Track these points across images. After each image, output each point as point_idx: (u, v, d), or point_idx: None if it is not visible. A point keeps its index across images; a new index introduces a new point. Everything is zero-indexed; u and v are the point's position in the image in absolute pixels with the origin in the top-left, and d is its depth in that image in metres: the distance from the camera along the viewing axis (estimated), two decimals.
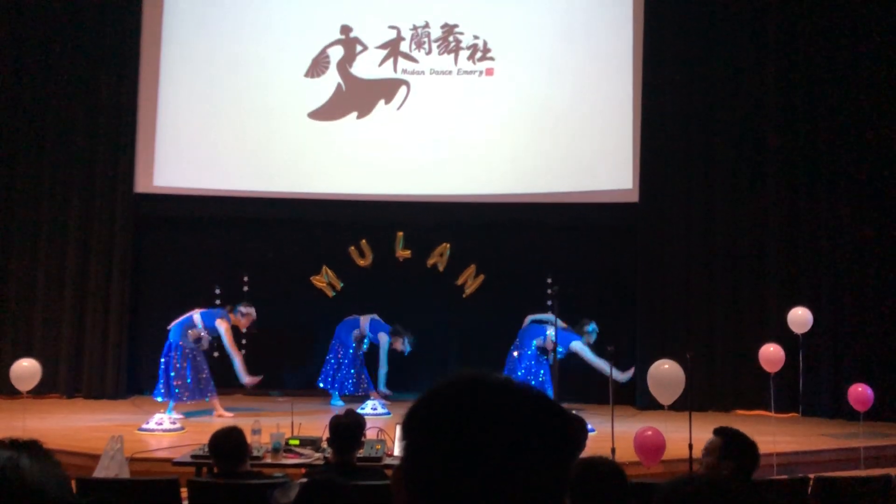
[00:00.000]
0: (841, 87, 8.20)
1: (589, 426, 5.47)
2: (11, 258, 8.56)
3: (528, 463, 0.93)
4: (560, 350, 7.23)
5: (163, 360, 7.26)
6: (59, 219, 8.60)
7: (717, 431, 3.12)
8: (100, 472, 4.77)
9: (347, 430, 3.85)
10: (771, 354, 7.13)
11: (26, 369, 6.95)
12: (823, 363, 8.01)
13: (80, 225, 8.60)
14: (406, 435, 0.98)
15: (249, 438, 5.04)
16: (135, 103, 8.67)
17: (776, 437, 6.29)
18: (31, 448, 0.97)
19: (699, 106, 8.56)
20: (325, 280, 8.74)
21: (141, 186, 8.69)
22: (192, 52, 8.76)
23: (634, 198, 8.54)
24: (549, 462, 0.95)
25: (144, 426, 6.55)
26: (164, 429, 6.49)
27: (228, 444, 3.69)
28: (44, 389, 7.99)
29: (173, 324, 7.39)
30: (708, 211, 8.50)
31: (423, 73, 8.78)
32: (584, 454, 3.86)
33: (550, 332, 7.25)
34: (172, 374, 7.17)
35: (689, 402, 5.78)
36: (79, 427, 6.80)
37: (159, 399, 7.21)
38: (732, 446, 3.06)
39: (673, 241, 8.49)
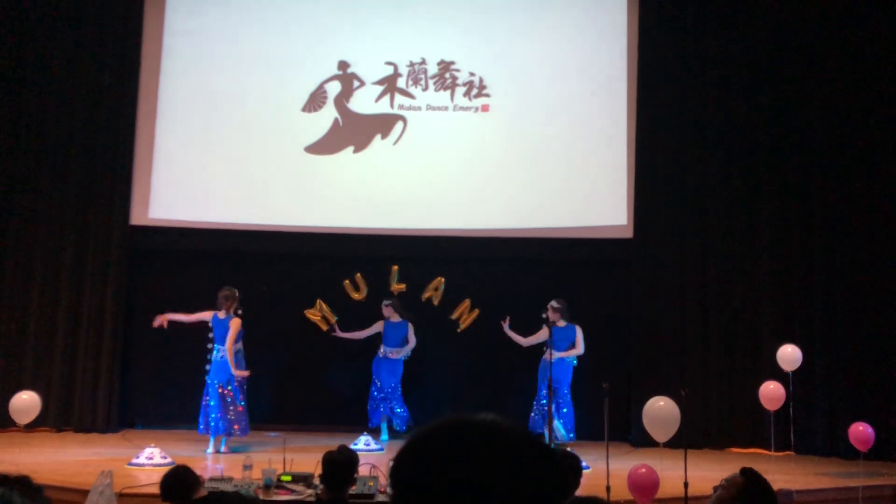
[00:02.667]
0: (835, 123, 8.29)
1: (583, 463, 5.44)
2: (4, 290, 8.52)
3: None
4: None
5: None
6: (53, 250, 8.58)
7: (743, 472, 3.08)
8: None
9: (340, 466, 3.81)
10: (771, 392, 7.13)
11: (26, 402, 6.90)
12: (818, 401, 7.98)
13: (74, 256, 8.58)
14: (394, 482, 0.97)
15: (240, 474, 5.00)
16: (132, 135, 8.72)
17: (774, 475, 6.24)
18: (23, 484, 0.96)
19: (693, 142, 8.64)
20: (319, 314, 8.72)
21: (136, 219, 8.70)
22: (190, 85, 8.84)
23: (629, 234, 8.58)
24: None
25: (134, 461, 6.47)
26: (154, 463, 6.41)
27: (175, 481, 3.69)
28: (33, 423, 7.91)
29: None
30: (702, 247, 8.53)
31: (419, 108, 8.86)
32: (580, 492, 3.83)
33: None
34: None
35: (684, 440, 5.75)
36: (68, 461, 6.71)
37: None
38: (751, 491, 3.00)
39: (667, 277, 8.51)
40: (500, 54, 8.87)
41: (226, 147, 8.78)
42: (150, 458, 6.46)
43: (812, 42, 8.44)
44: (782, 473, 6.64)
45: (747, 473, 3.05)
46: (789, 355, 7.30)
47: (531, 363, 7.88)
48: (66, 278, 8.55)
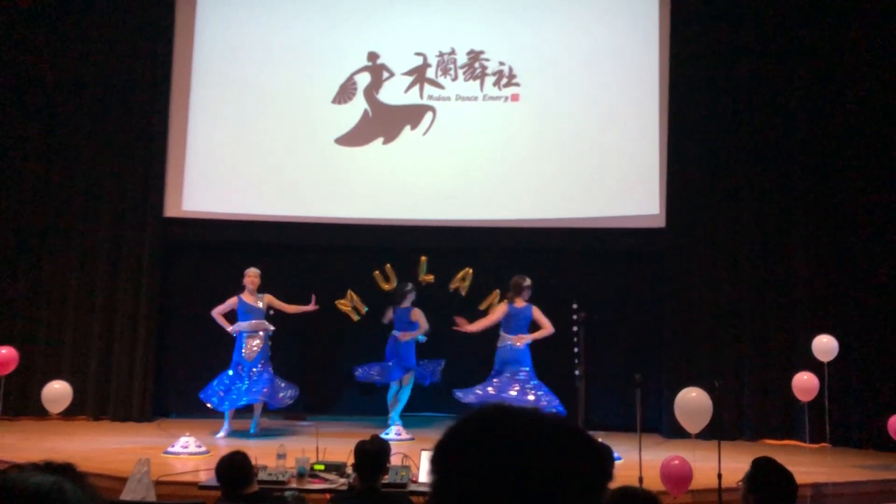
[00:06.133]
0: (874, 111, 8.12)
1: (615, 454, 5.42)
2: (43, 282, 8.69)
3: (559, 494, 0.92)
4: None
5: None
6: (89, 243, 8.73)
7: (753, 462, 3.04)
8: (127, 495, 4.79)
9: (373, 455, 3.84)
10: (804, 383, 7.06)
11: (57, 391, 7.07)
12: (854, 392, 7.85)
13: (109, 249, 8.72)
14: (435, 469, 0.98)
15: (274, 463, 5.06)
16: (165, 129, 8.82)
17: (809, 467, 6.17)
18: (70, 472, 0.98)
19: (726, 131, 8.52)
20: (349, 304, 8.77)
21: (170, 211, 8.81)
22: (222, 78, 8.92)
23: (661, 223, 8.49)
24: (580, 493, 0.94)
25: (170, 449, 6.57)
26: (190, 452, 6.51)
27: (231, 468, 3.72)
28: (71, 412, 8.09)
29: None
30: (735, 236, 8.42)
31: (448, 99, 8.85)
32: (612, 483, 3.82)
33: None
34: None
35: (717, 431, 5.70)
36: (105, 449, 6.84)
37: None
38: (759, 480, 2.97)
39: (700, 267, 8.42)
40: (529, 43, 8.82)
41: (257, 139, 8.85)
42: (186, 447, 6.56)
43: (852, 28, 8.26)
44: (817, 465, 6.57)
45: (758, 463, 3.02)
46: (825, 345, 7.20)
47: (561, 353, 7.86)
48: (102, 270, 8.69)
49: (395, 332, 8.14)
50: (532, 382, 7.20)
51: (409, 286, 8.26)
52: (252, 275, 7.66)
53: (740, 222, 8.42)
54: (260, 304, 7.66)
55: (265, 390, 7.43)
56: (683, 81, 8.52)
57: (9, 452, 6.29)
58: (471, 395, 7.19)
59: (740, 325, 8.30)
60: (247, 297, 7.62)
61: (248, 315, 7.59)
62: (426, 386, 8.15)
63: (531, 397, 7.05)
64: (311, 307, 7.78)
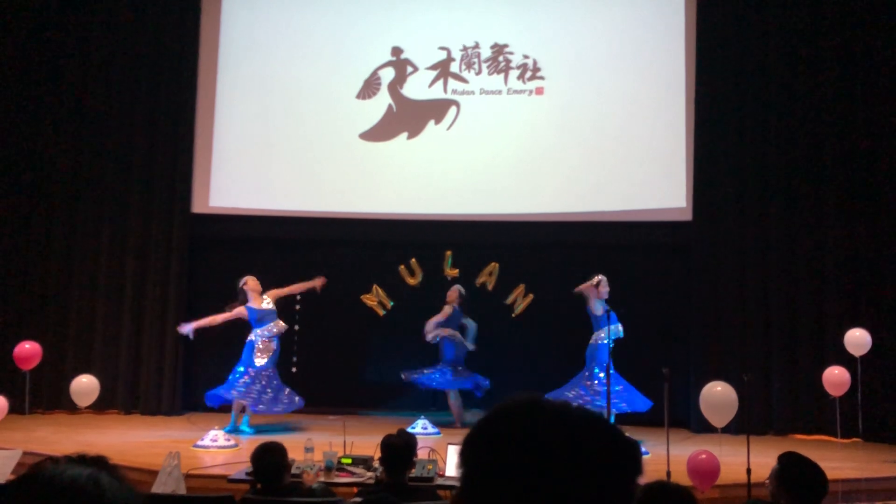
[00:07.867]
0: None
1: (643, 449, 5.39)
2: (73, 278, 8.82)
3: (589, 488, 0.92)
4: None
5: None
6: (117, 240, 8.85)
7: (780, 458, 3.00)
8: (157, 488, 4.85)
9: (399, 450, 3.85)
10: (835, 377, 6.97)
11: (85, 385, 7.20)
12: (887, 386, 7.73)
13: (138, 245, 8.83)
14: (464, 463, 0.98)
15: (302, 457, 5.10)
16: (192, 126, 8.90)
17: (840, 462, 6.10)
18: (105, 464, 0.99)
19: (754, 123, 8.41)
20: (375, 299, 8.80)
21: (197, 207, 8.90)
22: (247, 75, 8.98)
23: (688, 216, 8.41)
24: (610, 487, 0.94)
25: (199, 443, 6.65)
26: (219, 445, 6.58)
27: (266, 459, 3.75)
28: (102, 405, 8.22)
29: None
30: (763, 229, 8.32)
31: (473, 93, 8.83)
32: (640, 478, 3.80)
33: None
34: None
35: (746, 426, 5.65)
36: (136, 442, 6.94)
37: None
38: (787, 475, 2.93)
39: (728, 260, 8.33)
40: (554, 36, 8.77)
41: (283, 135, 8.90)
42: (215, 441, 6.63)
43: (882, 15, 8.11)
44: (849, 461, 6.48)
45: (786, 458, 2.98)
46: (858, 339, 7.10)
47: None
48: (131, 266, 8.80)
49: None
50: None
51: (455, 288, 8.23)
52: (250, 281, 7.49)
53: (769, 215, 8.31)
54: (270, 306, 7.55)
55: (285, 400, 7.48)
56: (710, 72, 8.42)
57: (43, 445, 6.41)
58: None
59: (769, 319, 8.20)
60: (256, 303, 7.48)
61: (263, 321, 7.47)
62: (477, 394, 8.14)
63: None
64: (316, 282, 7.62)
